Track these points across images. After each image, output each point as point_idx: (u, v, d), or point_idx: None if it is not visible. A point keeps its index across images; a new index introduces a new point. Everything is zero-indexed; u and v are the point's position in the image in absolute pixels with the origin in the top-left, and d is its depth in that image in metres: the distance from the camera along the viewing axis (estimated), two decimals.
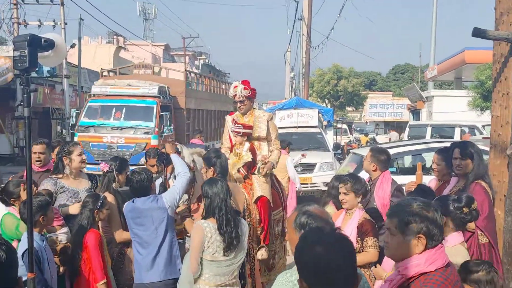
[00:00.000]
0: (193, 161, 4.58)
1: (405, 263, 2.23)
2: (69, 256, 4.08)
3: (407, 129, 17.00)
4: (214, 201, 3.71)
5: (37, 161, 5.18)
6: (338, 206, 4.51)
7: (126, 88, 14.23)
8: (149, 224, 4.20)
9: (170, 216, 4.28)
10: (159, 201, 4.26)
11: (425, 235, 2.22)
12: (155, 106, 13.69)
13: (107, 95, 14.13)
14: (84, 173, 4.99)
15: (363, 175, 5.77)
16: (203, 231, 3.68)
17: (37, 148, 5.21)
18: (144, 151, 12.36)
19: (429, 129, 15.47)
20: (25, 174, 5.06)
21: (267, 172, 5.29)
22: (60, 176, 4.71)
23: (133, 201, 4.28)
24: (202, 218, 3.81)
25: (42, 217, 3.69)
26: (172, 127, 14.20)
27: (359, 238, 4.05)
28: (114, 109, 13.80)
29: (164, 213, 4.21)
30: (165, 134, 13.61)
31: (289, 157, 9.79)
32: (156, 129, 13.40)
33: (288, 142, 10.27)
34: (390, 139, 30.16)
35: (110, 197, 4.50)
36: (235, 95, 5.38)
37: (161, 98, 14.10)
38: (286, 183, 9.57)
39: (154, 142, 13.09)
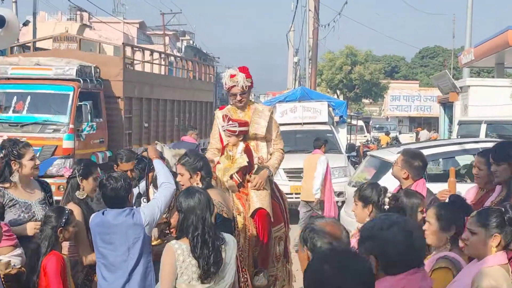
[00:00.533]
0: (175, 164, 4.59)
1: None
2: (22, 283, 4.07)
3: (456, 127, 16.94)
4: (189, 217, 3.61)
5: None
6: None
7: (33, 69, 12.62)
8: (120, 243, 4.12)
9: (147, 236, 4.21)
10: (136, 216, 4.17)
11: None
12: (71, 93, 12.13)
13: (8, 78, 12.64)
14: (34, 181, 4.86)
15: (384, 182, 5.78)
16: (174, 254, 3.62)
17: None
18: (54, 156, 11.36)
19: (483, 127, 15.32)
20: None
21: (259, 185, 5.23)
22: (7, 185, 4.58)
23: (102, 213, 4.21)
24: (175, 238, 3.78)
25: None
26: (96, 123, 12.65)
27: None
28: (15, 97, 12.26)
29: (141, 231, 4.13)
30: (86, 132, 12.32)
31: (322, 156, 9.89)
32: (71, 126, 11.88)
33: (325, 140, 10.49)
34: (419, 138, 30.27)
35: (76, 210, 4.46)
36: (233, 86, 5.36)
37: (82, 82, 12.49)
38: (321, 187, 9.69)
39: (68, 144, 11.78)
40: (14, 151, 4.61)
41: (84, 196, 4.60)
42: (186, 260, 3.60)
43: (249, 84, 5.37)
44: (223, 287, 3.70)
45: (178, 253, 3.61)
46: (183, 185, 4.41)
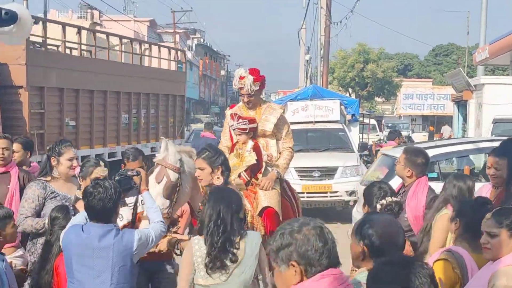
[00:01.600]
0: (180, 160, 4.53)
1: None
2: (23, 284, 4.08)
3: (491, 126, 16.79)
4: (212, 215, 3.65)
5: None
6: None
7: None
8: (103, 268, 3.71)
9: (132, 264, 3.82)
10: (126, 238, 3.76)
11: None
12: None
13: None
14: (74, 178, 5.06)
15: (397, 181, 5.78)
16: (192, 249, 3.67)
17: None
18: None
19: None
20: None
21: (266, 186, 5.19)
22: (49, 178, 4.86)
23: (82, 228, 3.76)
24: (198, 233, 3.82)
25: None
26: None
27: None
28: None
29: (129, 258, 3.75)
30: None
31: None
32: None
33: (399, 132, 10.48)
34: (441, 134, 30.12)
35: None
36: (241, 87, 5.37)
37: None
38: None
39: None
40: (56, 148, 4.88)
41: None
42: (203, 255, 3.65)
43: (257, 88, 5.35)
44: (241, 282, 3.71)
45: (196, 248, 3.67)
46: (201, 179, 4.40)
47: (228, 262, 3.65)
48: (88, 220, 3.85)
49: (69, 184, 4.93)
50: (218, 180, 4.30)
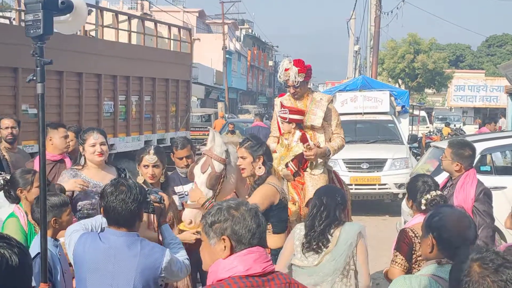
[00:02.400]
0: (227, 151, 4.54)
1: None
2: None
3: None
4: (316, 203, 3.97)
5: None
6: None
7: None
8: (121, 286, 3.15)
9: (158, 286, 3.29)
10: (156, 253, 3.21)
11: None
12: None
13: None
14: (111, 167, 5.06)
15: (443, 176, 5.68)
16: (294, 233, 4.03)
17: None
18: None
19: None
20: (35, 164, 5.37)
21: (314, 156, 5.15)
22: (80, 167, 4.85)
23: (99, 236, 3.24)
24: None
25: (54, 219, 3.75)
26: None
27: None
28: None
29: (151, 279, 3.17)
30: None
31: None
32: None
33: (494, 118, 10.13)
34: (500, 128, 29.39)
35: None
36: (287, 80, 5.36)
37: None
38: None
39: None
40: (81, 136, 4.92)
41: (142, 181, 4.65)
42: (302, 238, 3.98)
43: (301, 79, 5.31)
44: (332, 269, 3.87)
45: (297, 232, 4.01)
46: (243, 169, 4.40)
47: (322, 247, 3.89)
48: (102, 227, 3.46)
49: (103, 172, 4.85)
50: (260, 170, 4.30)
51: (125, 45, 14.39)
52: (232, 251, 2.34)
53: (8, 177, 4.43)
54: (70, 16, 2.60)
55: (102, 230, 3.44)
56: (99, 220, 3.56)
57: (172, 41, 17.55)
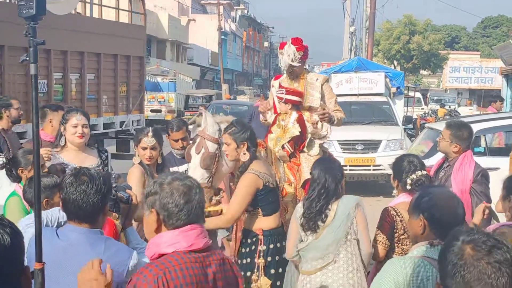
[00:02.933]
0: (219, 130, 4.55)
1: None
2: None
3: None
4: (319, 184, 4.00)
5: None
6: None
7: None
8: None
9: None
10: (122, 254, 2.86)
11: None
12: None
13: None
14: (93, 148, 4.99)
15: (440, 157, 5.70)
16: (296, 214, 4.08)
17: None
18: None
19: None
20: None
21: (325, 116, 5.26)
22: (59, 149, 4.76)
23: (57, 233, 2.83)
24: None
25: (46, 200, 3.71)
26: None
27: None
28: None
29: (118, 285, 2.72)
30: None
31: None
32: None
33: (500, 97, 9.79)
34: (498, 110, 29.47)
35: (136, 170, 4.55)
36: (288, 58, 5.37)
37: None
38: None
39: None
40: (64, 116, 4.82)
41: (138, 162, 4.68)
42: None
43: (300, 56, 5.34)
44: (332, 240, 3.98)
45: (298, 211, 4.09)
46: (228, 155, 4.40)
47: (320, 223, 3.98)
48: (58, 221, 3.16)
49: (83, 154, 4.78)
50: (244, 156, 4.27)
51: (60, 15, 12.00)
52: (164, 225, 2.41)
53: (10, 157, 4.44)
54: None
55: (60, 225, 3.14)
56: (56, 213, 3.22)
57: (127, 13, 15.66)
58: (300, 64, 5.41)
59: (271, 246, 4.22)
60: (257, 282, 4.16)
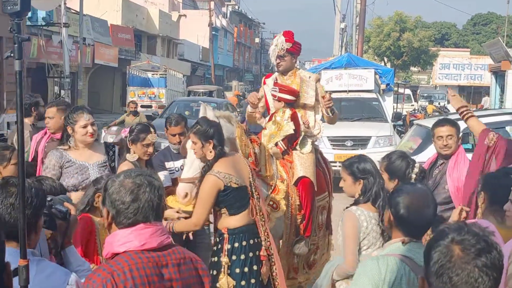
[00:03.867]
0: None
1: None
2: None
3: None
4: (370, 181, 3.83)
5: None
6: None
7: None
8: None
9: None
10: (55, 279, 2.51)
11: None
12: None
13: None
14: (100, 143, 5.01)
15: (431, 151, 5.72)
16: (357, 219, 3.76)
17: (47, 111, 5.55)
18: None
19: None
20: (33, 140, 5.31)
21: (330, 102, 5.27)
22: (66, 147, 4.79)
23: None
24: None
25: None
26: None
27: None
28: None
29: None
30: None
31: None
32: None
33: None
34: (481, 106, 29.61)
35: (127, 167, 4.51)
36: (276, 48, 5.36)
37: None
38: None
39: None
40: (69, 117, 4.79)
41: (136, 159, 4.67)
42: (369, 227, 3.78)
43: (289, 47, 5.32)
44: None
45: (362, 219, 3.78)
46: (195, 153, 4.37)
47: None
48: None
49: (89, 151, 4.82)
50: (210, 155, 4.20)
51: None
52: (114, 221, 2.39)
53: None
54: None
55: None
56: None
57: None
58: (288, 57, 5.39)
59: (236, 244, 4.13)
60: (220, 281, 4.09)
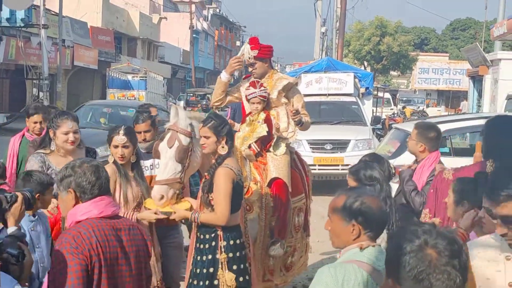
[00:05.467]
0: (191, 125, 4.52)
1: None
2: None
3: (504, 102, 16.55)
4: (377, 189, 3.66)
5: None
6: None
7: None
8: None
9: None
10: None
11: None
12: None
13: None
14: (81, 148, 4.92)
15: (406, 157, 5.74)
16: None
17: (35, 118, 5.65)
18: None
19: None
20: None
21: (295, 119, 5.21)
22: (48, 151, 4.71)
23: None
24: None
25: (38, 195, 3.74)
26: None
27: None
28: None
29: None
30: None
31: None
32: None
33: None
34: (460, 109, 29.85)
35: (109, 169, 4.38)
36: (244, 58, 5.35)
37: None
38: None
39: None
40: (53, 120, 4.73)
41: (113, 160, 4.56)
42: None
43: (255, 54, 5.28)
44: None
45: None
46: (205, 147, 4.37)
47: None
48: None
49: (70, 158, 4.62)
50: (223, 149, 4.27)
51: None
52: (79, 200, 2.93)
53: None
54: None
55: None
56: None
57: None
58: (258, 63, 5.38)
59: (231, 242, 4.16)
60: (222, 277, 4.12)
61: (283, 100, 5.44)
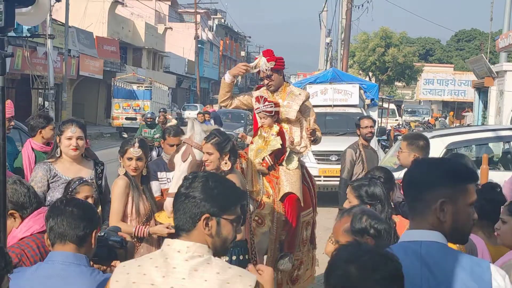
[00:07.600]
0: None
1: None
2: None
3: (510, 114, 16.54)
4: (378, 209, 3.45)
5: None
6: None
7: None
8: None
9: None
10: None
11: None
12: None
13: None
14: (89, 160, 4.89)
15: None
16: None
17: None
18: None
19: None
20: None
21: (311, 138, 5.29)
22: (54, 160, 4.68)
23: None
24: None
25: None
26: None
27: None
28: None
29: None
30: None
31: None
32: None
33: None
34: (465, 122, 29.78)
35: (121, 181, 4.39)
36: (259, 71, 5.35)
37: None
38: None
39: None
40: (60, 127, 4.72)
41: (123, 172, 4.54)
42: None
43: (272, 66, 5.28)
44: None
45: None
46: (208, 164, 4.38)
47: None
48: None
49: (77, 166, 4.69)
50: (226, 166, 4.27)
51: None
52: (23, 217, 2.95)
53: None
54: (32, 8, 2.55)
55: None
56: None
57: None
58: (274, 75, 5.38)
59: (234, 258, 4.16)
60: None
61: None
